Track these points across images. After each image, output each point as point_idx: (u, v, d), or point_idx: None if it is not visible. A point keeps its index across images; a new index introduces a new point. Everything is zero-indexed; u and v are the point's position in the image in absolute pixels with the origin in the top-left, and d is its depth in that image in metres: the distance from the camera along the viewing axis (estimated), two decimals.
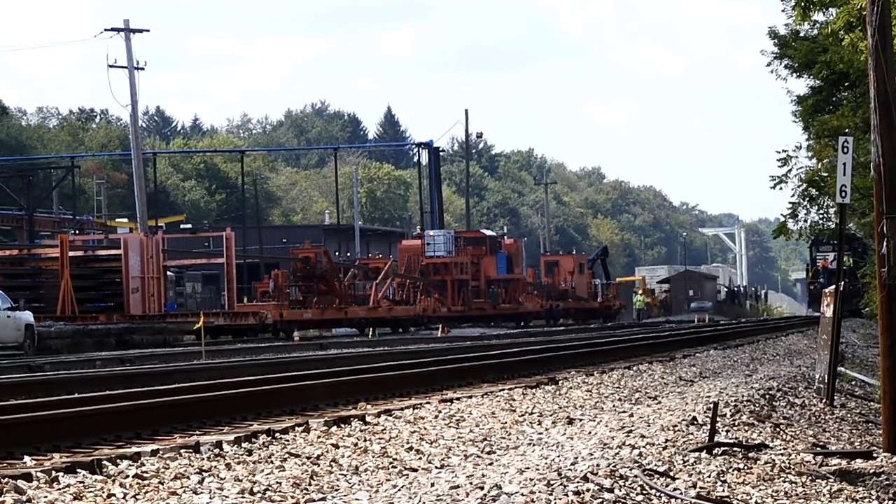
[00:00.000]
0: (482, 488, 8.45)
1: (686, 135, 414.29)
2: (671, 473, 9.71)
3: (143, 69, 61.25)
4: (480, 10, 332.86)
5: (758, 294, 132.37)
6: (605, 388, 18.92)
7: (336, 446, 11.63)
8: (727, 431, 12.36)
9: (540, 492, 8.24)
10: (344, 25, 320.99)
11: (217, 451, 11.08)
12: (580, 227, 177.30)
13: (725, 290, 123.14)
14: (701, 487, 9.36)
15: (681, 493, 8.95)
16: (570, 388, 18.73)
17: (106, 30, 61.18)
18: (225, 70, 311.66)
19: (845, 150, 15.97)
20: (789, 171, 25.92)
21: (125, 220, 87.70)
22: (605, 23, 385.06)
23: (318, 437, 12.22)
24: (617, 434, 11.87)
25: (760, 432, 12.81)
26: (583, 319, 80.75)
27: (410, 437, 12.51)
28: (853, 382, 21.21)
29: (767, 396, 16.14)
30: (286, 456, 10.92)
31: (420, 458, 11.15)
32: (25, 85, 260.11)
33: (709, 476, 9.90)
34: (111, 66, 60.46)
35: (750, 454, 11.14)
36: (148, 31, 63.32)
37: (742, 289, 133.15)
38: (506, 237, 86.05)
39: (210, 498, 8.92)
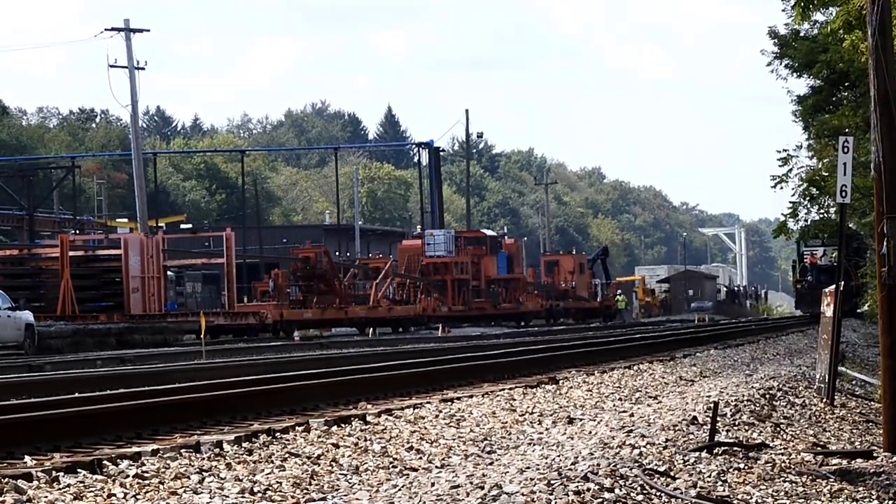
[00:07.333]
0: (482, 488, 8.45)
1: (686, 135, 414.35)
2: (671, 473, 9.71)
3: (143, 69, 61.34)
4: (473, 12, 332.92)
5: (758, 293, 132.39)
6: (605, 387, 18.92)
7: (336, 446, 11.63)
8: (727, 431, 12.36)
9: (540, 491, 8.24)
10: (343, 25, 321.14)
11: (217, 450, 11.08)
12: (580, 227, 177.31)
13: (725, 289, 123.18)
14: (701, 487, 9.36)
15: (681, 493, 8.95)
16: (571, 387, 18.73)
17: (106, 30, 61.27)
18: (225, 70, 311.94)
19: (846, 149, 15.96)
20: (790, 170, 25.93)
21: (125, 220, 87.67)
22: (602, 23, 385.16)
23: (319, 436, 12.22)
24: (617, 434, 11.87)
25: (761, 432, 12.82)
26: (583, 319, 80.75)
27: (411, 436, 12.51)
28: (853, 382, 21.20)
29: (768, 396, 16.14)
30: (286, 456, 10.92)
31: (420, 458, 11.15)
32: (25, 85, 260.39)
33: (709, 476, 9.90)
34: (111, 66, 60.51)
35: (750, 454, 11.14)
36: (148, 31, 63.42)
37: (742, 288, 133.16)
38: (506, 237, 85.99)
39: (210, 498, 8.92)
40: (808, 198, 26.15)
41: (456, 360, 23.65)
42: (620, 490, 8.62)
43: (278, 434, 12.08)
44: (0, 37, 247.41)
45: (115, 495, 8.93)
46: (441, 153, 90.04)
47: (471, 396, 16.84)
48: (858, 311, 46.56)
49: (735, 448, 11.26)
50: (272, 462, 10.59)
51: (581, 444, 11.32)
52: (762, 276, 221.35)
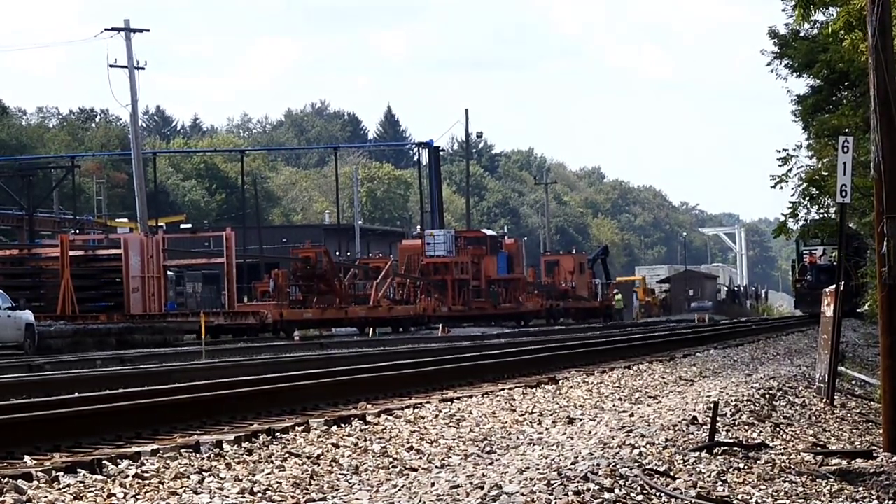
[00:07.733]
0: (482, 488, 8.46)
1: (686, 135, 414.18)
2: (671, 473, 9.71)
3: (143, 69, 61.39)
4: (473, 12, 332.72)
5: (758, 293, 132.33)
6: (605, 387, 18.92)
7: (336, 446, 11.63)
8: (727, 431, 12.36)
9: (540, 491, 8.24)
10: (343, 25, 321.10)
11: (217, 450, 11.08)
12: (580, 227, 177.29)
13: (725, 289, 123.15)
14: (701, 487, 9.36)
15: (681, 493, 8.95)
16: (571, 387, 18.73)
17: (106, 30, 61.33)
18: (225, 70, 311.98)
19: (845, 149, 15.96)
20: (789, 170, 25.88)
21: (125, 219, 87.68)
22: (602, 23, 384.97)
23: (319, 436, 12.22)
24: (617, 434, 11.87)
25: (761, 432, 12.82)
26: (583, 319, 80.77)
27: (411, 436, 12.51)
28: (853, 382, 21.21)
29: (768, 396, 16.14)
30: (286, 456, 10.92)
31: (420, 458, 11.15)
32: (25, 85, 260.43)
33: (709, 476, 9.90)
34: (111, 66, 60.56)
35: (750, 454, 11.14)
36: (148, 30, 63.49)
37: (742, 288, 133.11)
38: (506, 237, 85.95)
39: (210, 498, 8.92)
40: (807, 198, 26.11)
41: (456, 360, 23.65)
42: (620, 490, 8.62)
43: (278, 434, 12.08)
44: (0, 37, 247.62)
45: (115, 495, 8.93)
46: (441, 153, 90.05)
47: (471, 396, 16.84)
48: (858, 311, 46.52)
49: (735, 448, 11.26)
50: (272, 462, 10.59)
51: (581, 444, 11.32)
52: (762, 276, 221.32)
